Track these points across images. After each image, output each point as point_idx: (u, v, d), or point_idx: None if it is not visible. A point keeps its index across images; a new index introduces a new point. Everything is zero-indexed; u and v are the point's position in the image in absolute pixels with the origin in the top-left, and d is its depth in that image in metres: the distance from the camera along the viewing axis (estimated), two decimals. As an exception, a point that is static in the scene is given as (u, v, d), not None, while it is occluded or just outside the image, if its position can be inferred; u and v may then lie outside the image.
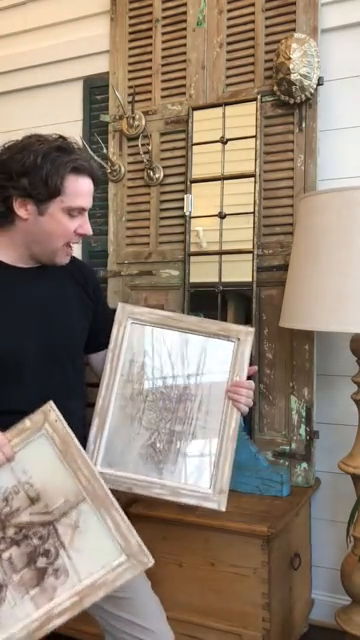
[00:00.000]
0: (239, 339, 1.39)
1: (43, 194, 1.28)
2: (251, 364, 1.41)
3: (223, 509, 1.33)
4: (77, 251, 2.37)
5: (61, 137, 1.35)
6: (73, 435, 1.20)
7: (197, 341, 1.39)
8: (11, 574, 1.15)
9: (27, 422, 1.20)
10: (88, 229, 1.35)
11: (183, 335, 1.40)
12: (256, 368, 1.45)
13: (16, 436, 1.19)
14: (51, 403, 1.21)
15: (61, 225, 1.31)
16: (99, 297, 1.55)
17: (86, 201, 1.34)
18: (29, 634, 1.12)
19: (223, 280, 2.11)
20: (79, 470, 1.18)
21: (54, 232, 1.32)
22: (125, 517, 1.18)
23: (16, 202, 1.30)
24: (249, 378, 1.40)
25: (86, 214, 1.35)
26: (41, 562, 1.15)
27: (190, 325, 1.41)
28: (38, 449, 1.19)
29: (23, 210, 1.30)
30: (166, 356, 1.40)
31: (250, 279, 2.05)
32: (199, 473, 1.36)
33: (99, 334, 1.47)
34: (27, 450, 1.19)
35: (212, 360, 1.39)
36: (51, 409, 1.21)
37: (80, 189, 1.32)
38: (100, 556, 1.14)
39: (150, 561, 1.14)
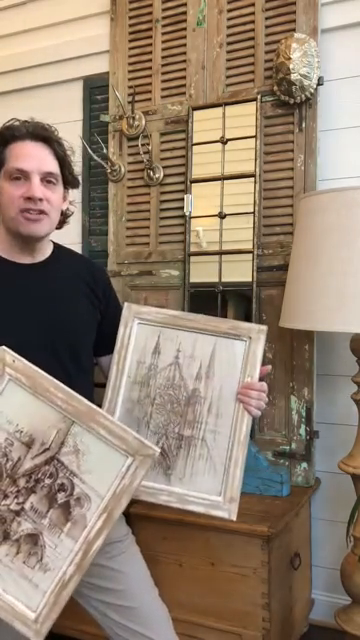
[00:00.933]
0: (250, 338, 1.32)
1: None
2: (263, 364, 1.35)
3: (234, 518, 1.29)
4: (77, 251, 2.36)
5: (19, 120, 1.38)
6: (34, 367, 1.20)
7: (206, 341, 1.34)
8: (40, 520, 1.17)
9: None
10: (33, 191, 1.30)
11: (192, 335, 1.35)
12: (269, 368, 1.37)
13: None
14: (2, 347, 1.20)
15: (6, 193, 1.31)
16: (109, 298, 1.51)
17: (25, 163, 1.30)
18: (77, 566, 1.14)
19: (223, 280, 2.11)
20: (54, 396, 1.18)
21: (3, 202, 1.32)
22: (113, 419, 1.19)
23: None
24: (261, 379, 1.33)
25: (35, 178, 1.30)
26: (61, 497, 1.17)
27: (199, 324, 1.35)
28: (11, 395, 1.19)
29: None
30: (174, 357, 1.36)
31: (250, 279, 2.05)
32: (208, 480, 1.31)
33: (110, 336, 1.42)
34: (3, 399, 1.19)
35: (222, 360, 1.33)
36: (4, 352, 1.20)
37: (15, 153, 1.31)
38: (109, 467, 1.16)
39: (155, 450, 1.15)
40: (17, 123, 1.36)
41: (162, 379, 1.36)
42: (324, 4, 2.03)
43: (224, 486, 1.30)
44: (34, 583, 1.15)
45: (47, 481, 1.17)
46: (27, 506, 1.17)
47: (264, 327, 1.34)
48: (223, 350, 1.33)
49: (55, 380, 1.20)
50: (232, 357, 1.33)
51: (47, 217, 1.34)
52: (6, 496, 1.18)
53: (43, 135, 1.33)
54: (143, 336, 1.37)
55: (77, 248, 2.42)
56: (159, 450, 1.18)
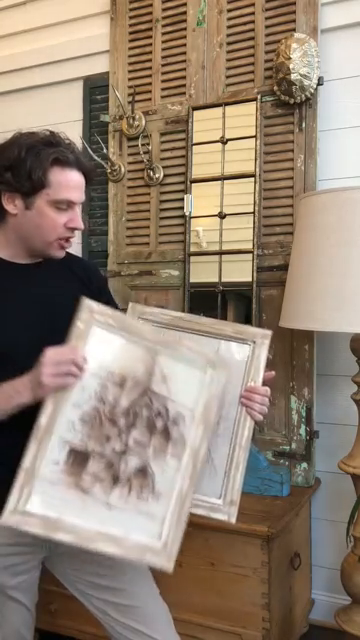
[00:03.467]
0: (255, 342, 1.32)
1: (27, 187, 1.27)
2: (267, 369, 1.34)
3: (233, 521, 1.29)
4: (77, 251, 2.37)
5: (51, 132, 1.33)
6: (118, 310, 1.28)
7: (210, 344, 1.33)
8: (145, 451, 1.21)
9: (79, 324, 1.23)
10: (78, 223, 1.32)
11: (195, 337, 1.34)
12: (273, 373, 1.36)
13: (78, 341, 1.23)
14: (84, 298, 1.25)
15: (48, 219, 1.30)
16: (105, 296, 1.52)
17: (73, 194, 1.30)
18: (190, 477, 1.20)
19: (223, 280, 2.11)
20: (142, 331, 1.26)
21: (42, 226, 1.30)
22: (191, 339, 1.29)
23: (4, 197, 1.30)
24: (265, 384, 1.32)
25: (77, 208, 1.32)
26: (159, 423, 1.22)
27: (203, 327, 1.34)
28: (100, 340, 1.24)
29: (11, 205, 1.30)
30: None
31: (250, 279, 2.05)
32: (209, 483, 1.30)
33: None
34: (92, 347, 1.23)
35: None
36: (89, 302, 1.25)
37: (65, 181, 1.29)
38: (195, 383, 1.24)
39: (228, 363, 1.27)
40: (47, 134, 1.32)
41: None
42: (324, 4, 2.03)
43: (224, 489, 1.30)
44: (151, 514, 1.18)
45: (144, 412, 1.22)
46: (131, 442, 1.21)
47: (269, 332, 1.33)
48: (227, 353, 1.33)
49: (136, 320, 1.30)
50: (236, 361, 1.33)
51: None
52: (109, 439, 1.21)
53: (88, 169, 1.34)
54: None
55: (77, 248, 2.42)
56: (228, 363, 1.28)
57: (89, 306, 1.24)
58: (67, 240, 1.35)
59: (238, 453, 1.30)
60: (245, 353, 1.33)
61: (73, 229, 1.33)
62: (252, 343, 1.33)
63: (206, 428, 1.22)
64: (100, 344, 1.23)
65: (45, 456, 1.18)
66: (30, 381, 1.19)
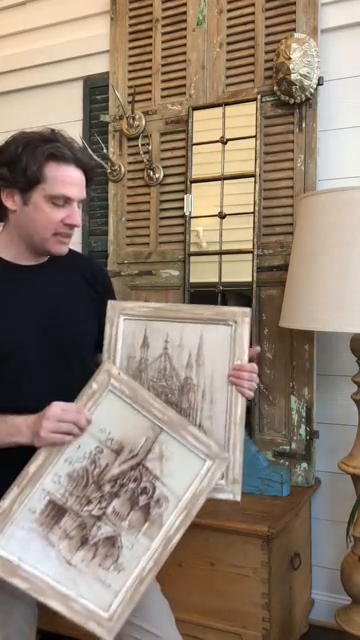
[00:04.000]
0: (236, 322, 1.34)
1: (24, 183, 1.27)
2: (251, 346, 1.36)
3: (238, 499, 1.31)
4: (77, 251, 2.37)
5: (51, 130, 1.34)
6: (133, 380, 1.28)
7: (193, 329, 1.35)
8: (120, 523, 1.22)
9: (94, 385, 1.24)
10: (76, 219, 1.31)
11: (178, 325, 1.36)
12: (258, 349, 1.40)
13: (87, 401, 1.23)
14: (106, 361, 1.27)
15: (44, 214, 1.29)
16: (109, 295, 1.52)
17: (70, 190, 1.30)
18: (155, 561, 1.22)
19: (223, 280, 2.11)
20: (152, 407, 1.25)
21: (39, 222, 1.30)
22: (197, 428, 1.28)
23: (3, 194, 1.30)
24: (251, 360, 1.35)
25: (74, 204, 1.32)
26: (142, 500, 1.23)
27: (184, 314, 1.37)
28: (109, 405, 1.24)
29: (10, 201, 1.30)
30: (163, 348, 1.37)
31: (250, 279, 2.05)
32: None
33: None
34: (99, 410, 1.24)
35: (211, 347, 1.35)
36: (111, 365, 1.26)
37: (61, 177, 1.29)
38: (190, 470, 1.25)
39: (228, 455, 1.29)
40: (48, 132, 1.32)
41: (154, 371, 1.37)
42: (324, 4, 2.03)
43: (226, 469, 1.31)
44: (107, 584, 1.20)
45: (131, 485, 1.23)
46: (109, 510, 1.23)
47: (247, 310, 1.36)
48: (210, 336, 1.35)
49: (150, 392, 1.28)
50: (220, 342, 1.35)
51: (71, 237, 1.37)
52: (89, 502, 1.22)
53: (87, 165, 1.34)
54: (130, 331, 1.38)
55: (77, 248, 2.42)
56: (228, 455, 1.29)
57: (108, 370, 1.26)
58: (66, 236, 1.34)
59: (234, 431, 1.33)
60: (228, 333, 1.35)
61: (70, 226, 1.32)
62: (233, 323, 1.35)
63: (186, 519, 1.23)
64: (108, 409, 1.25)
65: (24, 502, 1.20)
66: (29, 427, 1.21)
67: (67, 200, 1.30)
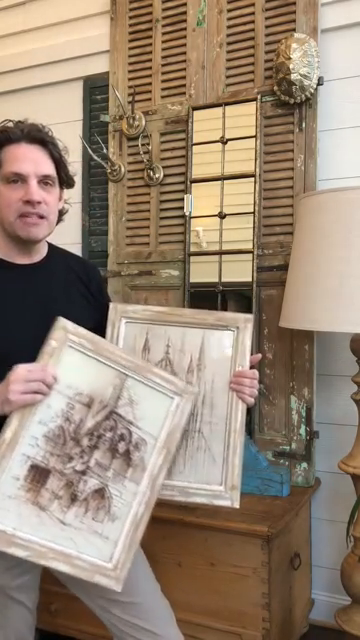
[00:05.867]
0: (238, 328, 1.35)
1: None
2: (253, 353, 1.36)
3: (237, 506, 1.31)
4: (77, 251, 2.37)
5: (10, 121, 1.37)
6: (92, 333, 1.28)
7: (195, 334, 1.36)
8: (105, 473, 1.24)
9: (52, 342, 1.24)
10: (31, 194, 1.30)
11: (180, 329, 1.37)
12: (259, 356, 1.40)
13: (49, 359, 1.23)
14: (60, 318, 1.26)
15: (4, 197, 1.31)
16: (103, 295, 1.52)
17: (22, 166, 1.30)
18: (147, 504, 1.23)
19: (223, 280, 2.11)
20: (114, 355, 1.27)
21: (3, 206, 1.31)
22: (161, 369, 1.30)
23: None
24: (252, 367, 1.35)
25: (32, 181, 1.30)
26: (122, 447, 1.25)
27: (186, 318, 1.37)
28: (72, 360, 1.25)
29: None
30: (164, 352, 1.37)
31: (250, 279, 2.05)
32: (208, 470, 1.33)
33: (104, 332, 1.43)
34: (63, 366, 1.24)
35: (212, 352, 1.35)
36: (65, 321, 1.26)
37: (13, 155, 1.31)
38: (160, 409, 1.27)
39: (195, 388, 1.31)
40: (10, 124, 1.36)
41: None
42: (324, 4, 2.03)
43: (224, 475, 1.32)
44: (105, 535, 1.21)
45: (108, 435, 1.25)
46: (92, 463, 1.24)
47: (250, 316, 1.36)
48: (212, 342, 1.36)
49: (108, 341, 1.32)
50: (222, 348, 1.36)
51: (46, 220, 1.34)
52: (71, 459, 1.23)
53: (38, 137, 1.33)
54: (132, 335, 1.38)
55: (77, 248, 2.42)
56: (197, 388, 1.31)
57: (64, 326, 1.25)
58: (30, 216, 1.31)
59: (234, 438, 1.33)
60: (230, 340, 1.36)
61: (29, 203, 1.30)
62: (235, 329, 1.35)
63: (167, 456, 1.26)
64: (71, 364, 1.25)
65: (6, 470, 1.19)
66: None
67: (21, 177, 1.31)
